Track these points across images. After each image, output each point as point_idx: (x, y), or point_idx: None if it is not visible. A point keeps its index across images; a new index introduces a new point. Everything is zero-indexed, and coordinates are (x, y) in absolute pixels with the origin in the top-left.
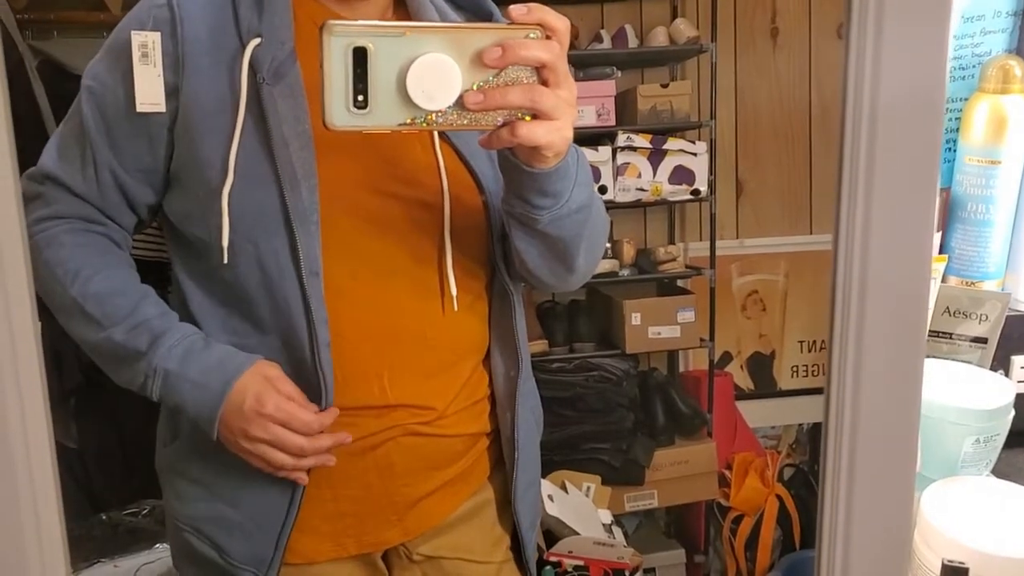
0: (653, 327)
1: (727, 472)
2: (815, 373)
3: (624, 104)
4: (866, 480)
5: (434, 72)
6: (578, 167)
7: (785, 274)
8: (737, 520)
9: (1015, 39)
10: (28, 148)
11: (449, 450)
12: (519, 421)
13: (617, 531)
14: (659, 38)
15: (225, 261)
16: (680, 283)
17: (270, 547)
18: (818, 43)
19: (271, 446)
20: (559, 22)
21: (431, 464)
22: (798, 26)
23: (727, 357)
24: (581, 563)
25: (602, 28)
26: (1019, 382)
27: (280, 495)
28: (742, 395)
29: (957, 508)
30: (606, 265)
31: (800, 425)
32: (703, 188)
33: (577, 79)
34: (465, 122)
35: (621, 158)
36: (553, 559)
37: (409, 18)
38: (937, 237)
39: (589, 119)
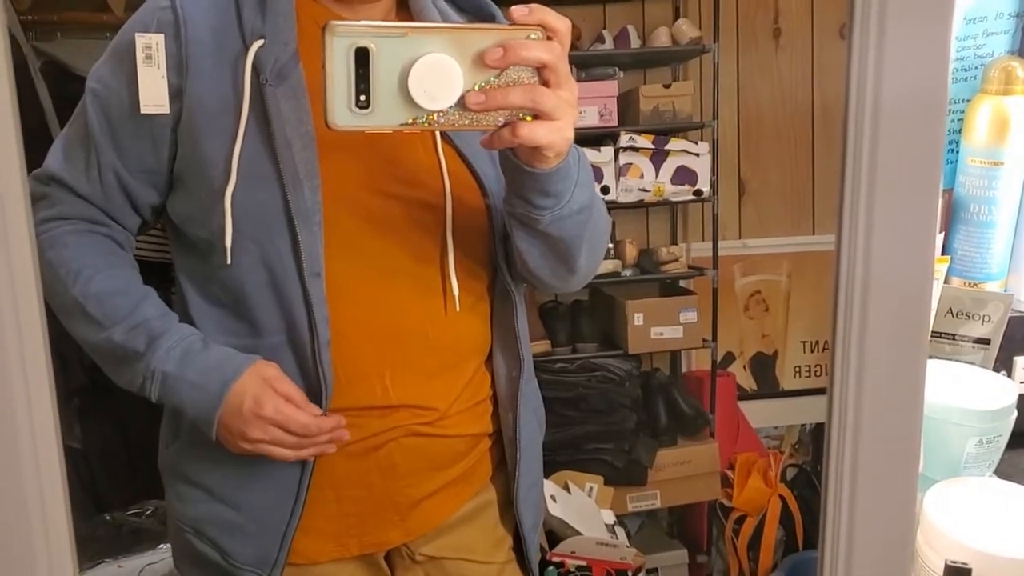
0: (656, 327)
1: (730, 472)
2: (818, 373)
3: (626, 104)
4: (869, 481)
5: (436, 72)
6: (579, 168)
7: (788, 274)
8: (740, 520)
9: (1018, 40)
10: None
11: (451, 450)
12: (521, 422)
13: (620, 531)
14: (661, 38)
15: (228, 262)
16: (683, 283)
17: (274, 548)
18: (820, 43)
19: (270, 445)
20: (560, 23)
21: (433, 464)
22: (800, 26)
23: (730, 357)
24: (584, 563)
25: (604, 28)
26: (1022, 383)
27: (284, 496)
28: (745, 395)
29: (960, 509)
30: (608, 265)
31: (803, 425)
32: (705, 188)
33: (579, 79)
34: (466, 122)
35: (623, 158)
36: (556, 559)
37: (411, 20)
38: (939, 238)
39: (591, 119)
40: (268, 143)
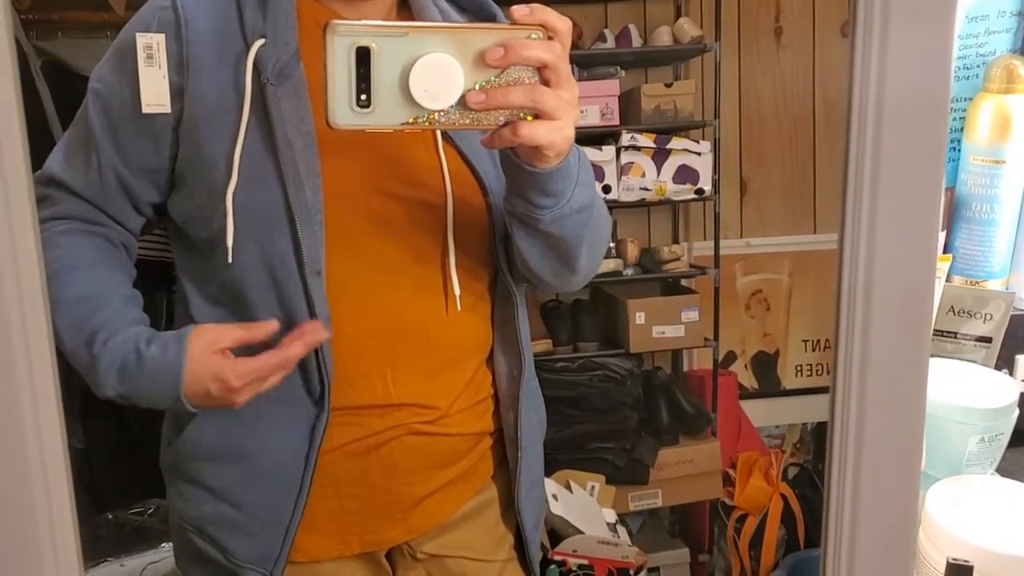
0: (657, 326)
1: (731, 471)
2: (819, 372)
3: (628, 103)
4: (871, 479)
5: (437, 72)
6: (580, 167)
7: (789, 273)
8: (741, 519)
9: (1019, 39)
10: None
11: (452, 449)
12: (522, 421)
13: (621, 530)
14: (663, 37)
15: (229, 261)
16: (684, 282)
17: (276, 545)
18: (822, 42)
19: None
20: (561, 23)
21: (434, 463)
22: (802, 25)
23: (731, 356)
24: (585, 562)
25: (606, 28)
26: (1023, 381)
27: (286, 493)
28: (746, 394)
29: (962, 507)
30: (610, 264)
31: (804, 424)
32: (707, 187)
33: (581, 79)
34: (467, 122)
35: (625, 157)
36: (558, 558)
37: (411, 19)
38: (941, 237)
39: (593, 119)
40: (269, 142)
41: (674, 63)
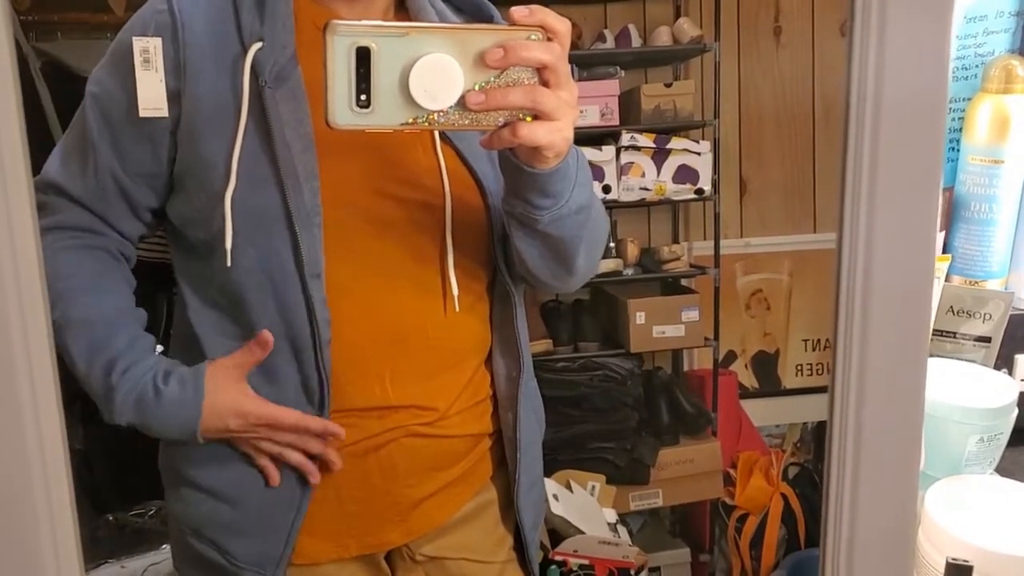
0: (657, 326)
1: (732, 471)
2: (819, 372)
3: (628, 104)
4: (870, 478)
5: (436, 72)
6: (578, 168)
7: (789, 273)
8: (742, 519)
9: (1018, 39)
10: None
11: (451, 451)
12: (521, 422)
13: (622, 530)
14: (662, 38)
15: (229, 264)
16: (684, 282)
17: (278, 547)
18: (821, 41)
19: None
20: (560, 24)
21: (433, 465)
22: (801, 25)
23: (731, 356)
24: (586, 562)
25: (605, 28)
26: (1022, 380)
27: (287, 495)
28: (746, 394)
29: (961, 506)
30: (610, 264)
31: (805, 424)
32: (707, 187)
33: (581, 79)
34: (467, 122)
35: (625, 157)
36: (558, 558)
37: (409, 20)
38: (940, 237)
39: (593, 119)
40: (267, 145)
41: (674, 63)
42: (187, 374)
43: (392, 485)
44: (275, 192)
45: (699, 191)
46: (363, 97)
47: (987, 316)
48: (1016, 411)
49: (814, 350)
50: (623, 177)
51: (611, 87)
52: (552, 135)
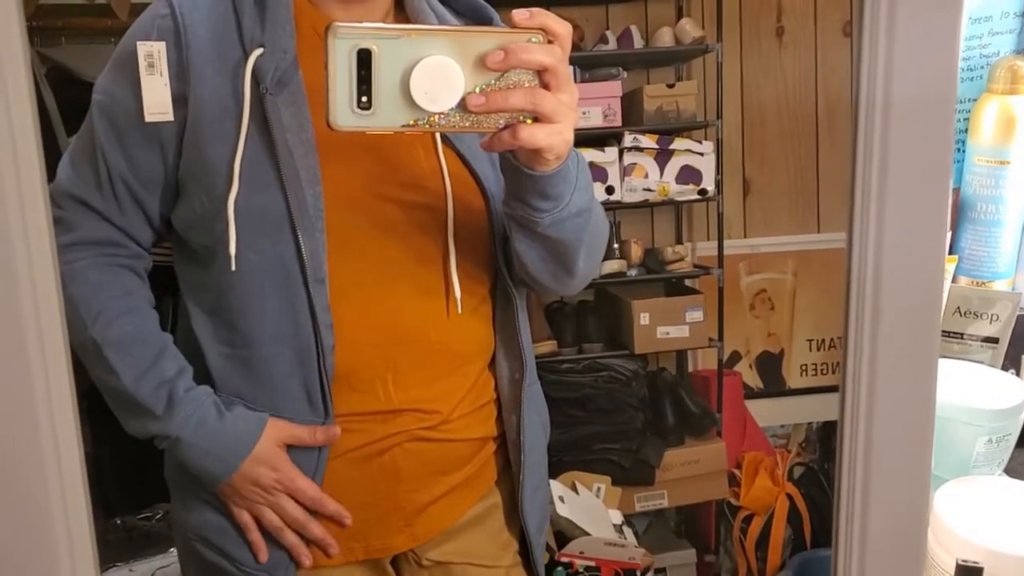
0: (662, 327)
1: (737, 471)
2: (824, 372)
3: (630, 105)
4: (881, 480)
5: (437, 74)
6: (578, 171)
7: (793, 272)
8: (747, 519)
9: (1023, 40)
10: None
11: (455, 455)
12: (525, 424)
13: (628, 531)
14: (665, 38)
15: (233, 268)
16: (688, 283)
17: (286, 552)
18: (824, 42)
19: (272, 510)
20: (561, 27)
21: (438, 469)
22: (804, 25)
23: (736, 356)
24: (592, 563)
25: (607, 29)
26: None
27: None
28: (751, 394)
29: (970, 508)
30: (614, 265)
31: (810, 424)
32: (710, 188)
33: (583, 80)
34: (467, 124)
35: (628, 158)
36: (564, 560)
37: (408, 23)
38: (947, 237)
39: (595, 120)
40: (269, 150)
41: (676, 64)
42: (250, 412)
43: (396, 490)
44: (277, 196)
45: (702, 191)
46: (364, 99)
47: (994, 317)
48: None
49: (819, 350)
50: (626, 178)
51: (614, 88)
52: (552, 137)
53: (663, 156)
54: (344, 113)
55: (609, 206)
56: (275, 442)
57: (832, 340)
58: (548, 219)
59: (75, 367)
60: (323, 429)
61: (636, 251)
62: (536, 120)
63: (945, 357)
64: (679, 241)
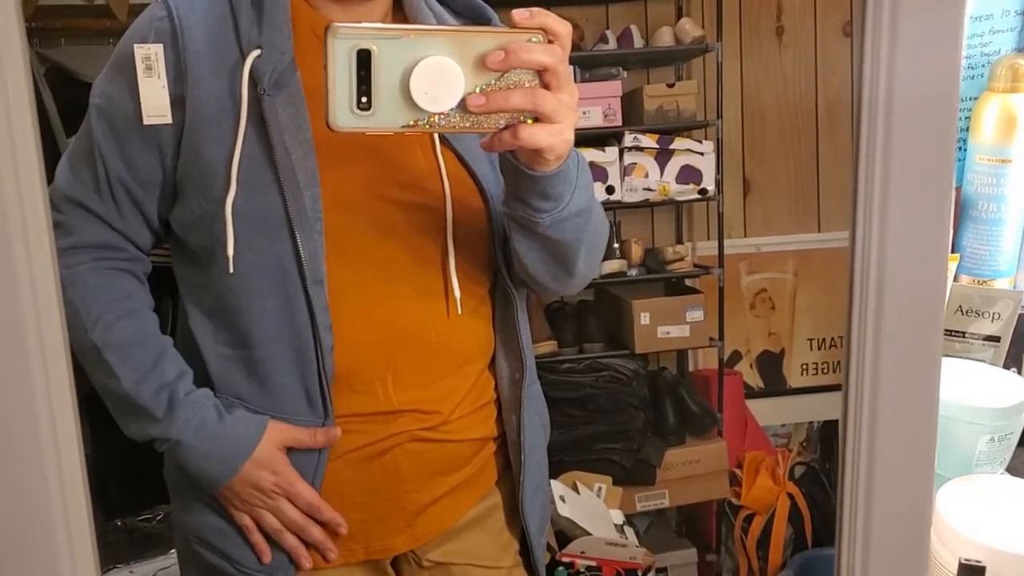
0: (662, 327)
1: (738, 471)
2: (825, 371)
3: (630, 104)
4: (885, 479)
5: (437, 75)
6: (578, 171)
7: (794, 272)
8: (749, 519)
9: None
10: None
11: (456, 455)
12: (525, 425)
13: (629, 531)
14: (664, 38)
15: (231, 270)
16: (688, 282)
17: (286, 554)
18: (823, 41)
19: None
20: (561, 26)
21: (438, 470)
22: (803, 25)
23: (736, 356)
24: (593, 563)
25: (607, 29)
26: None
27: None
28: (752, 394)
29: (973, 507)
30: (614, 265)
31: (811, 423)
32: (710, 187)
33: (583, 80)
34: (467, 124)
35: (628, 158)
36: (565, 560)
37: (407, 24)
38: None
39: (595, 120)
40: (267, 152)
41: (676, 63)
42: (250, 415)
43: (397, 490)
44: (276, 198)
45: (702, 191)
46: (364, 99)
47: (996, 315)
48: None
49: (819, 349)
50: (626, 178)
51: (614, 88)
52: (553, 137)
53: (663, 156)
54: (344, 114)
55: (609, 206)
56: (275, 445)
57: (832, 339)
58: (548, 219)
59: (75, 370)
60: (323, 431)
61: (636, 251)
62: (536, 120)
63: (947, 356)
64: (679, 241)
